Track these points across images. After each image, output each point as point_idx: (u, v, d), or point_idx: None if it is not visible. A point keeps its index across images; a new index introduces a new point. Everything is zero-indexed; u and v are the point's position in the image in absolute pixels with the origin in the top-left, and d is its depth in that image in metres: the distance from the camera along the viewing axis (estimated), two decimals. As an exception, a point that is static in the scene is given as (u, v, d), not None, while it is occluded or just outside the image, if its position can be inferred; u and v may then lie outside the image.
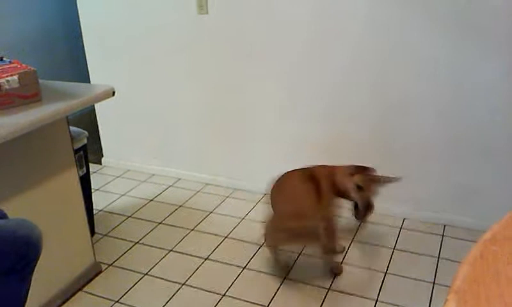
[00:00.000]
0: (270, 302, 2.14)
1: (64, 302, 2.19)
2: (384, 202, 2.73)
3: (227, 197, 3.09)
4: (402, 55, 2.45)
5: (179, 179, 3.35)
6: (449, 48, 2.35)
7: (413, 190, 2.68)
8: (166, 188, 3.25)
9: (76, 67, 3.87)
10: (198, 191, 3.19)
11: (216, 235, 2.68)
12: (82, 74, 3.45)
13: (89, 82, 3.36)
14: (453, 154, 2.53)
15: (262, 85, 2.86)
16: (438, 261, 2.37)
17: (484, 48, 2.28)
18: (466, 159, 2.51)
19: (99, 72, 3.36)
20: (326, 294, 2.14)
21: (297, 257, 2.44)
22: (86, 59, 3.37)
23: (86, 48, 3.35)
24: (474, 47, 2.30)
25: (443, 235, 2.57)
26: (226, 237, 2.66)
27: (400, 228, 2.66)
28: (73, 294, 2.24)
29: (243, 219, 2.83)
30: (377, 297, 2.15)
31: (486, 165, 2.47)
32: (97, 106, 3.47)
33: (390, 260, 2.40)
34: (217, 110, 3.07)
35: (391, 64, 2.50)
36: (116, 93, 2.13)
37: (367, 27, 2.48)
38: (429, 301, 2.10)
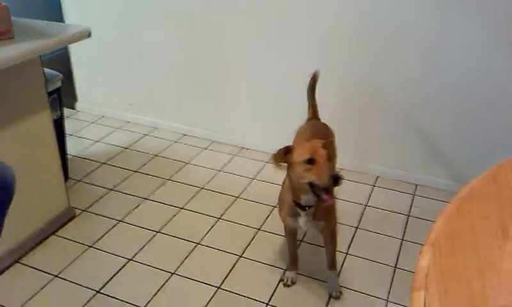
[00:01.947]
0: (244, 252, 2.18)
1: (36, 245, 2.18)
2: (358, 160, 2.78)
3: (204, 148, 3.08)
4: (380, 21, 2.44)
5: (155, 128, 3.31)
6: (425, 11, 2.34)
7: (387, 149, 2.73)
8: (142, 137, 3.21)
9: (49, 6, 3.70)
10: (175, 141, 3.16)
11: (192, 185, 2.68)
12: (56, 14, 3.30)
13: (64, 22, 3.23)
14: (426, 116, 2.56)
15: (243, 35, 2.80)
16: (407, 218, 2.44)
17: (460, 10, 2.28)
18: (439, 121, 2.55)
19: (74, 13, 3.23)
20: (299, 245, 2.19)
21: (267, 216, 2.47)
22: (60, -2, 3.24)
23: (60, -14, 3.21)
24: (450, 9, 2.30)
25: (414, 194, 2.64)
26: (202, 188, 2.66)
27: (373, 186, 2.71)
28: (46, 238, 2.23)
29: (220, 170, 2.84)
30: (347, 250, 2.21)
31: (459, 128, 2.52)
32: (72, 48, 3.36)
33: (361, 216, 2.46)
34: (197, 60, 3.01)
35: (370, 30, 2.48)
36: (92, 35, 2.05)
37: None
38: (397, 256, 2.18)
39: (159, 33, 3.04)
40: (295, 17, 2.63)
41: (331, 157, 1.66)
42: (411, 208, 2.52)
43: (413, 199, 2.59)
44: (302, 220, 1.80)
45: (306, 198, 1.71)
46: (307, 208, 1.75)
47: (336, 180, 1.55)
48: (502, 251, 0.80)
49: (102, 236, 2.27)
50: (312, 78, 2.22)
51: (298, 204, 1.75)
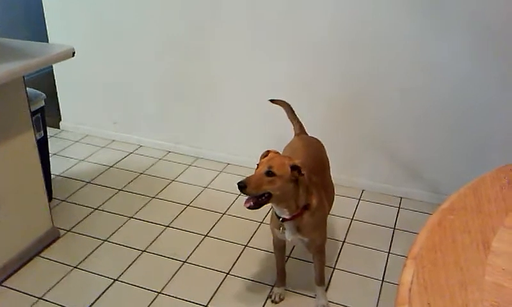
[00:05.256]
0: (231, 269, 2.17)
1: (20, 267, 2.14)
2: (344, 173, 2.79)
3: (189, 165, 3.08)
4: (368, 35, 2.48)
5: (140, 146, 3.30)
6: (411, 27, 2.38)
7: (373, 163, 2.75)
8: (127, 155, 3.19)
9: (34, 25, 3.70)
10: (160, 159, 3.15)
11: (177, 203, 2.67)
12: (40, 33, 3.30)
13: (48, 42, 3.22)
14: (412, 130, 2.60)
15: (228, 51, 2.82)
16: (393, 231, 2.46)
17: (443, 27, 2.33)
18: (423, 135, 2.58)
19: (58, 32, 3.22)
20: (287, 260, 2.19)
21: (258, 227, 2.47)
22: (44, 17, 3.22)
23: (44, 5, 3.19)
24: (433, 26, 2.34)
25: (399, 207, 2.66)
26: (188, 205, 2.65)
27: (359, 199, 2.73)
28: (30, 259, 2.19)
29: (205, 187, 2.83)
30: (335, 264, 2.22)
31: (443, 141, 2.55)
32: (56, 68, 3.34)
33: (348, 230, 2.46)
34: (181, 77, 3.01)
35: (358, 44, 2.51)
36: (76, 54, 2.05)
37: (337, 8, 2.48)
38: (384, 269, 2.19)
39: (143, 51, 3.04)
40: (282, 32, 2.65)
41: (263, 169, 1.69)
42: (396, 220, 2.54)
43: (398, 212, 2.61)
44: (287, 233, 1.82)
45: (276, 209, 1.75)
46: (281, 219, 1.76)
47: (239, 185, 1.62)
48: (483, 264, 0.81)
49: (87, 256, 2.25)
50: (286, 109, 2.27)
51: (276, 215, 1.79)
